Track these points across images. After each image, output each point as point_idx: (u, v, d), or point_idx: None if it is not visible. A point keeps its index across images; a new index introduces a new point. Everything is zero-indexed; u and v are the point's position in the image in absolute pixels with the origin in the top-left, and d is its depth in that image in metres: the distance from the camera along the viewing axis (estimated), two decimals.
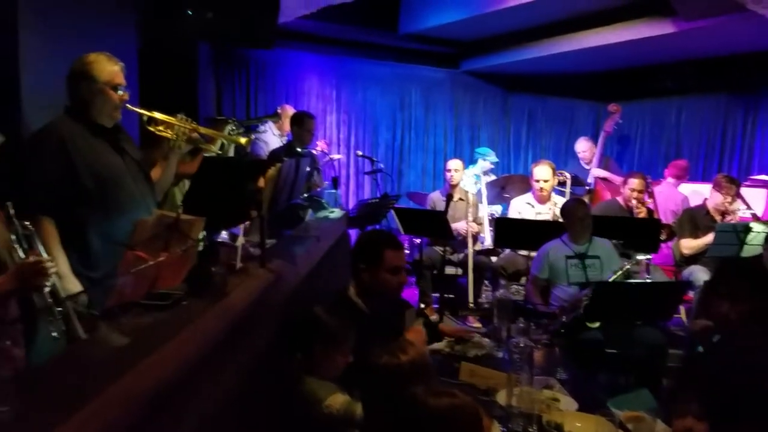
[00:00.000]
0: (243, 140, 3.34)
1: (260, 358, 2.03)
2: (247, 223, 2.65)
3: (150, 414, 1.21)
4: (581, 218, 4.03)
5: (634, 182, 5.15)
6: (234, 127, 3.84)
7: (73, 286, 2.22)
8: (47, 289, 1.94)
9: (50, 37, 3.04)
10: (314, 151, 5.76)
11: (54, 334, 1.90)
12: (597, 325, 3.57)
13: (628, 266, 3.82)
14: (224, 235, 2.83)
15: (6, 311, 1.94)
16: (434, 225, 5.24)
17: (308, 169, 4.19)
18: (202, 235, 2.05)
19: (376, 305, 2.58)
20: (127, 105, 2.59)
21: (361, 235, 2.96)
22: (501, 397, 2.22)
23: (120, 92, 2.52)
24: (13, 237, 1.96)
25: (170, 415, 1.32)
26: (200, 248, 2.07)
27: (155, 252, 1.76)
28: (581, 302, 3.54)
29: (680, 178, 6.23)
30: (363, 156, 7.00)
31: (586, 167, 6.61)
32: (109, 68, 2.49)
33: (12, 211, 1.95)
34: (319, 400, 2.06)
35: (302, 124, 5.09)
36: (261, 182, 2.49)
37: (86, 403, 1.06)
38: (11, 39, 2.84)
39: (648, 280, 4.39)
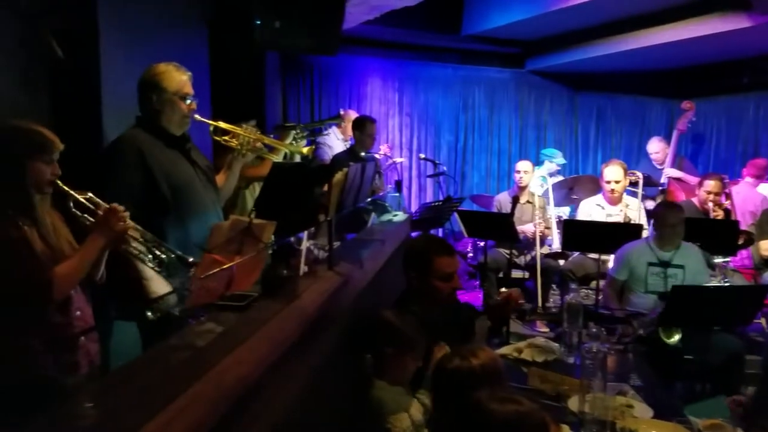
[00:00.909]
0: (305, 150, 3.39)
1: (329, 359, 2.06)
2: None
3: (230, 412, 1.24)
4: (672, 225, 3.79)
5: (711, 184, 4.95)
6: (299, 131, 3.91)
7: (161, 287, 2.27)
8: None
9: (128, 49, 3.15)
10: (377, 155, 5.80)
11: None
12: (676, 339, 3.39)
13: (715, 282, 3.66)
14: (290, 238, 2.88)
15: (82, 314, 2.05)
16: (499, 227, 5.18)
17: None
18: (271, 238, 2.10)
19: (434, 311, 2.55)
20: (195, 115, 2.64)
21: (410, 242, 2.88)
22: (573, 403, 2.18)
23: (188, 101, 2.57)
24: (72, 205, 2.02)
25: (248, 414, 1.36)
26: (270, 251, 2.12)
27: (230, 255, 1.81)
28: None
29: (759, 177, 5.95)
30: (426, 159, 6.99)
31: (659, 168, 6.39)
32: (178, 78, 2.54)
33: (62, 186, 2.00)
34: (385, 414, 2.05)
35: (364, 129, 5.12)
36: (325, 186, 2.53)
37: (170, 401, 1.09)
38: (93, 51, 2.95)
39: (726, 284, 4.21)
